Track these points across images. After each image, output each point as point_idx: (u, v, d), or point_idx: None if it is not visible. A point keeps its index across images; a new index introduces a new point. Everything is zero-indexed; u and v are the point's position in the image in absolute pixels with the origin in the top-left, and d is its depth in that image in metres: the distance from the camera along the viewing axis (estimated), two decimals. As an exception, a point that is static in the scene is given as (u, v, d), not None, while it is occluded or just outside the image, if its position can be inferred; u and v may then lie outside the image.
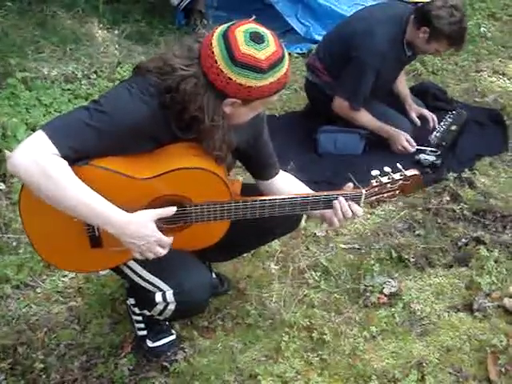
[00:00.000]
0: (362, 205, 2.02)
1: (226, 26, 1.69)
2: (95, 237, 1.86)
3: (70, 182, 1.66)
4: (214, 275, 2.53)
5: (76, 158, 1.69)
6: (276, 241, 2.75)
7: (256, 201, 1.93)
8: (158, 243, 1.80)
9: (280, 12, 5.18)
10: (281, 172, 2.20)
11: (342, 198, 1.98)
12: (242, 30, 1.65)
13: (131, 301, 2.26)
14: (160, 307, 1.98)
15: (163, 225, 1.88)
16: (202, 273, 2.00)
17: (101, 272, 2.61)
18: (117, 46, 4.88)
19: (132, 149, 1.78)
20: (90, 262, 1.96)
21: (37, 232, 1.87)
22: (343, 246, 2.86)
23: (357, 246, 2.87)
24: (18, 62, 4.31)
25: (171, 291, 1.93)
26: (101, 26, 5.17)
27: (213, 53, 1.65)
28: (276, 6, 5.18)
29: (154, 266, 1.95)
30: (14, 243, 2.84)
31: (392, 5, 3.69)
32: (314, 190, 2.14)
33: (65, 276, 2.68)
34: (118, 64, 4.58)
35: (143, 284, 1.98)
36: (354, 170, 3.27)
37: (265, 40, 1.66)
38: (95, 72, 4.46)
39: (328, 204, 2.00)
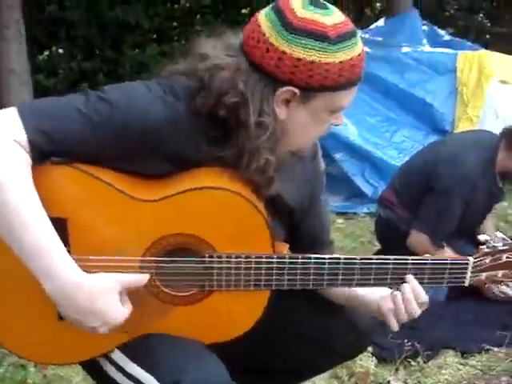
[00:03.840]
0: (467, 282, 1.36)
1: None
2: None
3: (21, 191, 1.12)
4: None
5: (50, 152, 1.18)
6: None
7: (310, 258, 1.30)
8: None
9: (346, 171, 4.85)
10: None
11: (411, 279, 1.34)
12: None
13: None
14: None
15: (164, 290, 1.27)
16: (217, 370, 1.27)
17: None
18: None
19: (132, 162, 1.25)
20: (56, 344, 1.30)
21: None
22: (428, 400, 2.08)
23: (448, 402, 2.08)
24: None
25: None
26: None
27: (259, 26, 1.21)
28: (342, 165, 4.87)
29: (148, 355, 1.29)
30: None
31: (477, 132, 3.28)
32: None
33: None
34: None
35: None
36: (438, 319, 2.68)
37: (329, 7, 1.22)
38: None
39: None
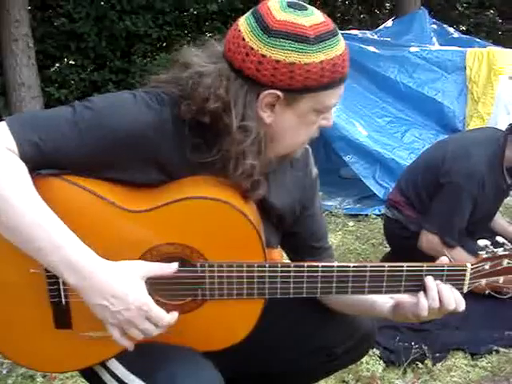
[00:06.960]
0: (466, 289, 1.34)
1: None
2: (61, 308, 1.26)
3: (25, 192, 1.14)
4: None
5: (40, 163, 1.19)
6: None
7: (303, 266, 1.30)
8: (147, 315, 1.19)
9: (357, 174, 4.82)
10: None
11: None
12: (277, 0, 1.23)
13: None
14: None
15: (157, 299, 1.26)
16: (211, 377, 1.28)
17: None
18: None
19: (122, 171, 1.26)
20: (52, 352, 1.32)
21: None
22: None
23: (458, 403, 2.05)
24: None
25: None
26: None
27: (240, 31, 1.21)
28: (352, 167, 4.84)
29: (142, 364, 1.30)
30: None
31: (483, 129, 3.24)
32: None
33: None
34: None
35: None
36: (446, 321, 2.64)
37: (308, 8, 1.22)
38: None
39: (415, 284, 1.32)
